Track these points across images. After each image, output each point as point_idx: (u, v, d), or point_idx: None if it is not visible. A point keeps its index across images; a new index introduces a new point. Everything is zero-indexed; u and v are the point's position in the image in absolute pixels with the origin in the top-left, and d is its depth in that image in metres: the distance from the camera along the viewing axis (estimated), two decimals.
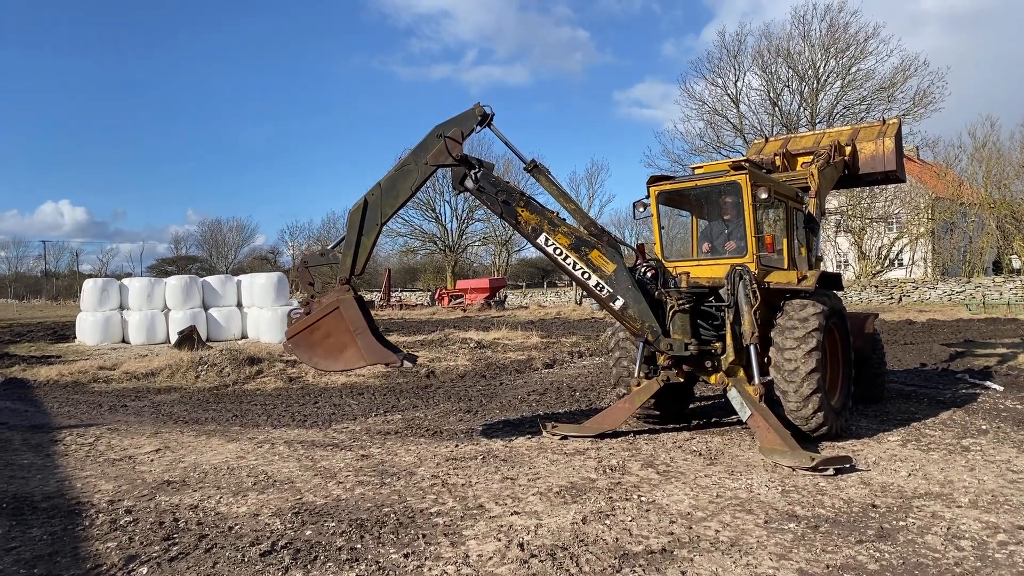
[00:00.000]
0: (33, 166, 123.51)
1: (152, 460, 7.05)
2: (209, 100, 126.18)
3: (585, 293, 8.89)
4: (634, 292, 7.22)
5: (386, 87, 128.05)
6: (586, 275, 7.22)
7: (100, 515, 5.25)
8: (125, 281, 23.15)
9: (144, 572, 4.21)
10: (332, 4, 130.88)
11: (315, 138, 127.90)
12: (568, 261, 7.22)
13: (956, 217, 42.32)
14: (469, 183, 7.17)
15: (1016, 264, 39.52)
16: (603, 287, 7.21)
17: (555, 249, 7.23)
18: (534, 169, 7.35)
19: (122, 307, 22.05)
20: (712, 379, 7.58)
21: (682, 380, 7.62)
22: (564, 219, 7.36)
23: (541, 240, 7.25)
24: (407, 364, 7.25)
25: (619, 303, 7.22)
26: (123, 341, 21.52)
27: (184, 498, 5.69)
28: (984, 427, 7.83)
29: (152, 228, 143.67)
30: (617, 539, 4.61)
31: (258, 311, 21.84)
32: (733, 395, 7.10)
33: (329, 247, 7.70)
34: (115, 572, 4.22)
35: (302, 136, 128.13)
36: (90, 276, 42.92)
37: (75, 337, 22.26)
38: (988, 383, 10.68)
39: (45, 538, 4.80)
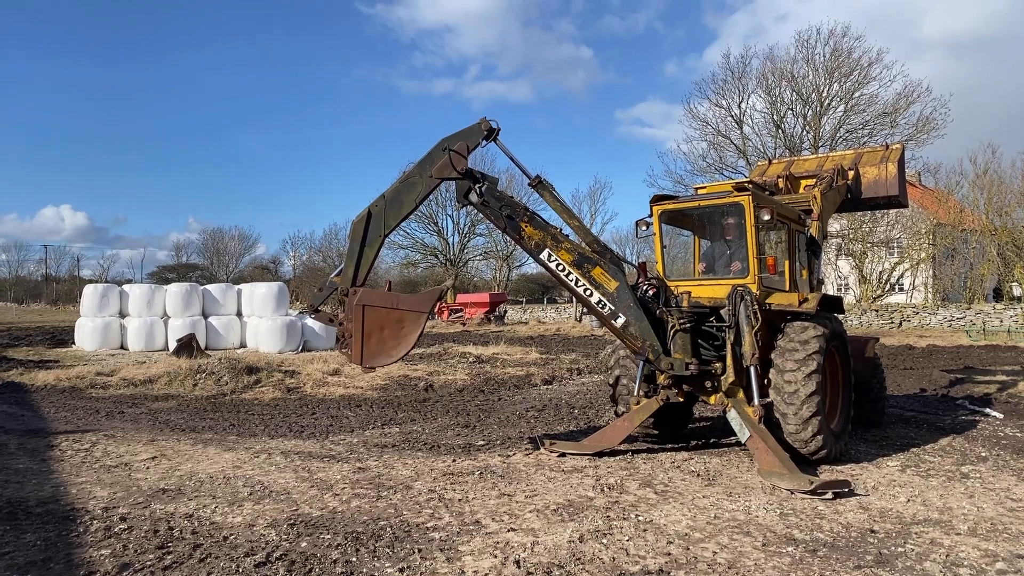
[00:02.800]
0: (34, 170, 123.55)
1: (148, 468, 7.02)
2: (212, 110, 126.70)
3: (586, 310, 8.88)
4: (636, 310, 7.22)
5: (389, 100, 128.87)
6: (588, 292, 7.23)
7: (95, 522, 5.23)
8: (125, 287, 23.19)
9: None
10: (336, 17, 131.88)
11: (317, 149, 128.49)
12: (570, 277, 7.23)
13: (957, 243, 42.37)
14: (473, 197, 7.19)
15: (1017, 291, 39.48)
16: (605, 304, 7.22)
17: (558, 265, 7.24)
18: (538, 185, 7.37)
19: (122, 313, 22.09)
20: (712, 399, 7.56)
21: (682, 400, 7.61)
22: (567, 235, 7.38)
23: (544, 256, 7.26)
24: (447, 285, 7.25)
25: (621, 321, 7.22)
26: (122, 347, 21.52)
27: (179, 507, 5.66)
28: (983, 454, 7.80)
29: (153, 235, 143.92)
30: (614, 558, 4.58)
31: (258, 320, 21.84)
32: (732, 416, 7.09)
33: (328, 278, 7.68)
34: None
35: (305, 147, 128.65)
36: (90, 281, 42.92)
37: (74, 342, 22.28)
38: (988, 410, 10.64)
39: (39, 544, 4.78)
